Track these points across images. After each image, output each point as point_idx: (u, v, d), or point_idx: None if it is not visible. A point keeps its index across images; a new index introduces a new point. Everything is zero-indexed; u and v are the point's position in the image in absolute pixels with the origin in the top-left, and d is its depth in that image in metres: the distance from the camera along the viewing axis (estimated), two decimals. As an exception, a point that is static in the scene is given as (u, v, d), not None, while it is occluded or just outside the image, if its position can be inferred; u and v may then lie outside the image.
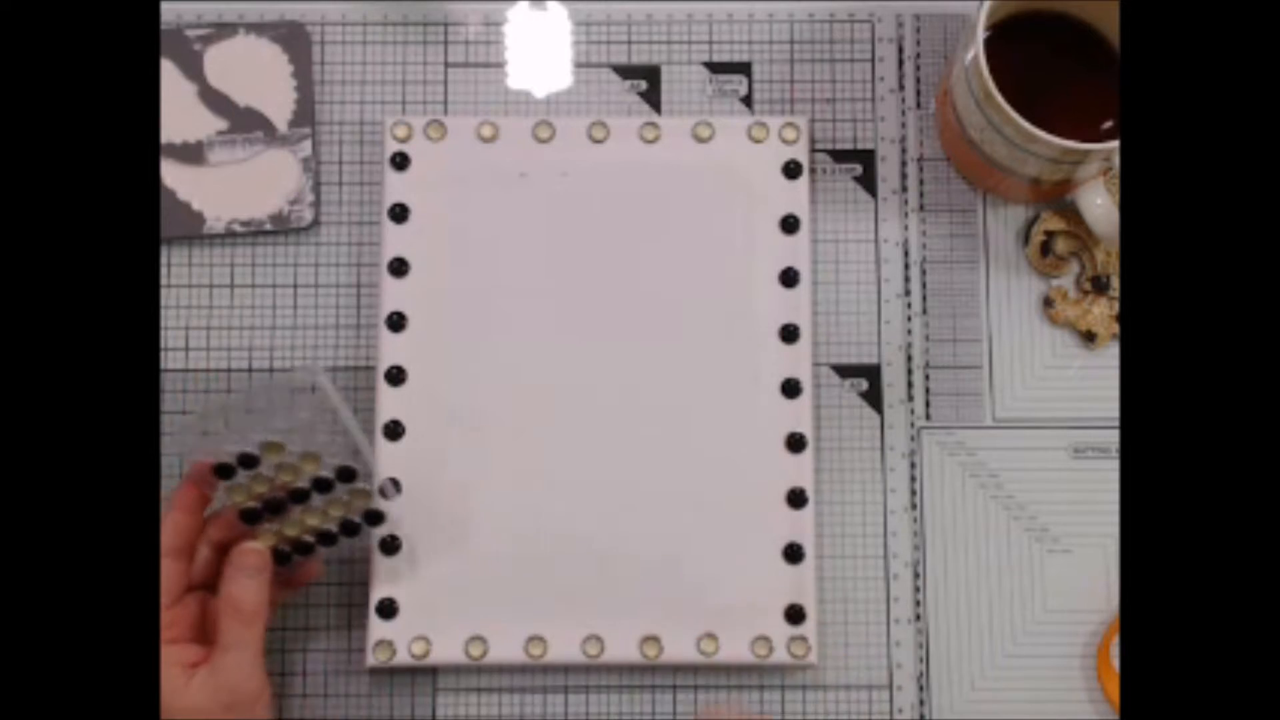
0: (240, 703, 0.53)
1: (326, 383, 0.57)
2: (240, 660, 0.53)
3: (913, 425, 0.63)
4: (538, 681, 0.61)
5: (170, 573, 0.54)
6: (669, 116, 0.64)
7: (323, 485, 0.56)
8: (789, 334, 0.62)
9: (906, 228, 0.64)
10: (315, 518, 0.56)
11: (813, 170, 0.64)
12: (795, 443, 0.61)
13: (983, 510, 0.62)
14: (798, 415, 0.61)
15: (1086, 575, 0.62)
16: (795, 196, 0.63)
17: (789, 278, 0.62)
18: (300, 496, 0.56)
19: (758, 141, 0.63)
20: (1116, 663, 0.60)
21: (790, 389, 0.61)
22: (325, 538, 0.57)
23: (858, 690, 0.61)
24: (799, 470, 0.61)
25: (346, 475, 0.56)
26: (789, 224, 0.62)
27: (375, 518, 0.57)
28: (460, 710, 0.60)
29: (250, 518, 0.56)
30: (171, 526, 0.55)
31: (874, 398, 0.63)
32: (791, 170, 0.63)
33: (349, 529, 0.57)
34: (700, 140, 0.63)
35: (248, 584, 0.54)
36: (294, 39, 0.64)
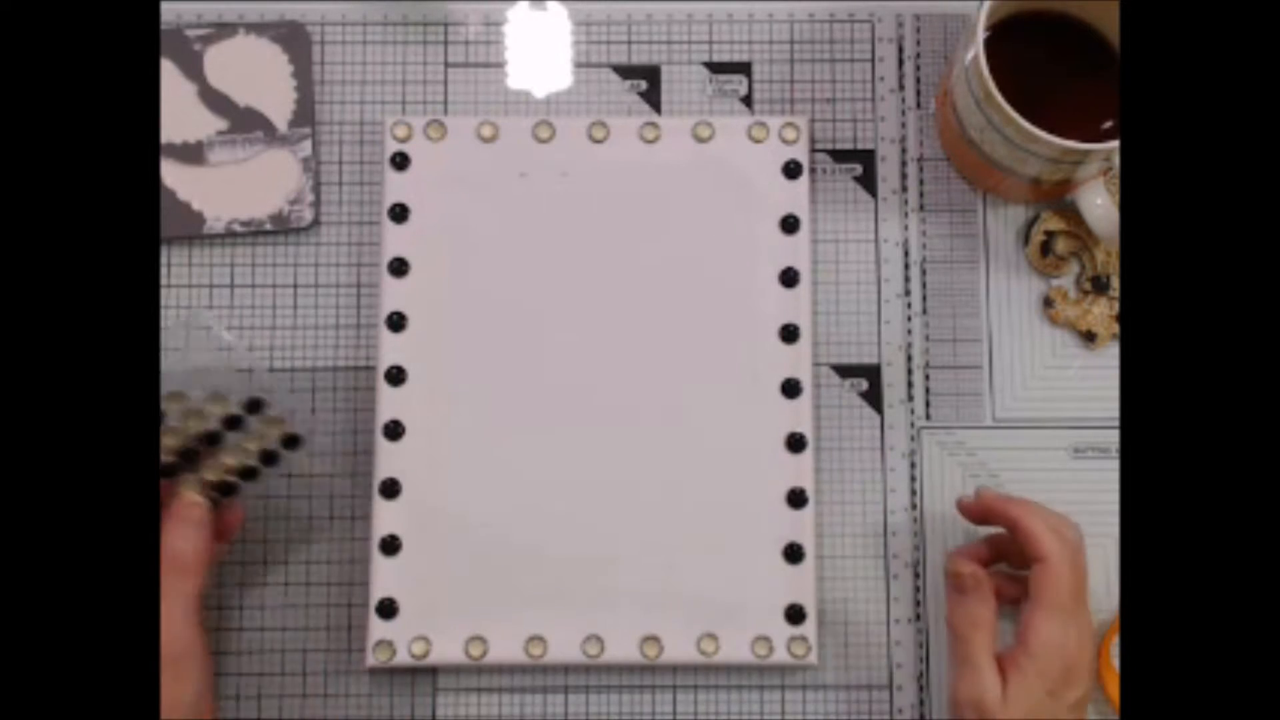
0: (173, 658, 0.53)
1: (214, 320, 0.57)
2: (172, 614, 0.53)
3: (913, 425, 0.63)
4: (538, 681, 0.61)
5: None
6: (669, 116, 0.64)
7: (233, 423, 0.56)
8: (789, 334, 0.62)
9: (906, 228, 0.64)
10: (233, 456, 0.56)
11: (813, 170, 0.64)
12: (795, 443, 0.61)
13: (983, 510, 0.62)
14: (798, 415, 0.61)
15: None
16: (795, 196, 0.63)
17: (789, 278, 0.62)
18: (213, 439, 0.56)
19: (758, 141, 0.63)
20: (1116, 663, 0.60)
21: (790, 389, 0.61)
22: (247, 473, 0.56)
23: (858, 690, 0.61)
24: (799, 470, 0.61)
25: (255, 406, 0.56)
26: (789, 224, 0.62)
27: (293, 442, 0.57)
28: (460, 710, 0.60)
29: (168, 472, 0.55)
30: None
31: (874, 398, 0.63)
32: (791, 170, 0.63)
33: (268, 458, 0.57)
34: (700, 140, 0.63)
35: (191, 535, 0.54)
36: (294, 39, 0.64)
